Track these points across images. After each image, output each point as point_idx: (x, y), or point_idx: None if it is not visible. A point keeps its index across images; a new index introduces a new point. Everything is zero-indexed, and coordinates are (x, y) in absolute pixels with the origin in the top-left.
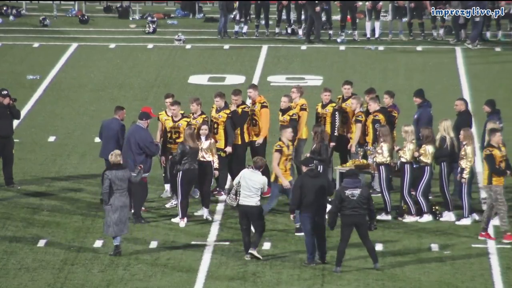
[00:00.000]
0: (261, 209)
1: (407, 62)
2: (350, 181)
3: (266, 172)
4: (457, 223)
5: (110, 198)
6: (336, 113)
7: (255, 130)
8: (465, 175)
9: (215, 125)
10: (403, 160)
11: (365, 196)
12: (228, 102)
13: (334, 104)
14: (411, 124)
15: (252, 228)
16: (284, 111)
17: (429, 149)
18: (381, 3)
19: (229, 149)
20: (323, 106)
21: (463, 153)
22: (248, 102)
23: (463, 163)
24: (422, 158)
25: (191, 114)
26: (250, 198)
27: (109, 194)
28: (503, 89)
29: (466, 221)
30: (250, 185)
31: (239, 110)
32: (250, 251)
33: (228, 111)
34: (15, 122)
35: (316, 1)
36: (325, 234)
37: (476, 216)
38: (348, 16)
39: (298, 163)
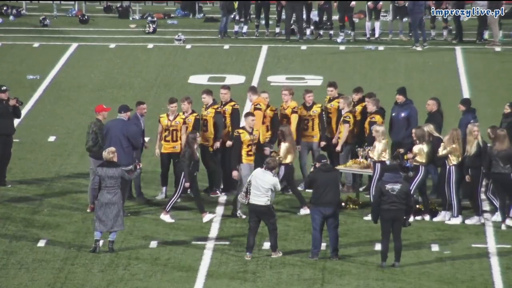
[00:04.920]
0: (271, 208)
1: (407, 62)
2: (391, 175)
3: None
4: (467, 221)
5: (98, 194)
6: (323, 113)
7: None
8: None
9: (205, 122)
10: (373, 159)
11: (405, 191)
12: (216, 99)
13: (320, 105)
14: (383, 125)
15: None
16: (266, 108)
17: (424, 148)
18: (381, 2)
19: (217, 144)
20: (308, 108)
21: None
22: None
23: (450, 162)
24: (417, 158)
25: (182, 113)
26: (259, 198)
27: (98, 190)
28: (503, 89)
29: (457, 220)
30: (260, 184)
31: (229, 107)
32: (272, 256)
33: (216, 107)
34: (15, 123)
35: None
36: (337, 229)
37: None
38: (346, 16)
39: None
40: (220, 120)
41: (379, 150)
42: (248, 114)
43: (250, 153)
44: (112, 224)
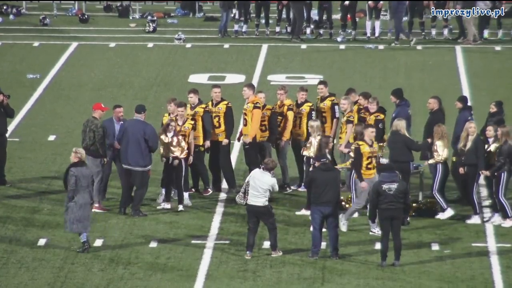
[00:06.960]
0: (269, 208)
1: (407, 61)
2: (387, 175)
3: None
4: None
5: (75, 196)
6: (313, 112)
7: (246, 130)
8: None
9: (193, 121)
10: (307, 155)
11: (402, 190)
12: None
13: (310, 104)
14: (317, 120)
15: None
16: (262, 107)
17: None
18: (381, 1)
19: (207, 143)
20: (299, 106)
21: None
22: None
23: (433, 159)
24: (352, 154)
25: (167, 114)
26: (257, 198)
27: (74, 191)
28: (503, 88)
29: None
30: (258, 185)
31: (223, 106)
32: (272, 255)
33: (204, 106)
34: (15, 122)
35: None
36: (337, 228)
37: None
38: (349, 15)
39: (283, 163)
40: (208, 119)
41: (315, 146)
42: (368, 125)
43: (369, 166)
44: (87, 224)
